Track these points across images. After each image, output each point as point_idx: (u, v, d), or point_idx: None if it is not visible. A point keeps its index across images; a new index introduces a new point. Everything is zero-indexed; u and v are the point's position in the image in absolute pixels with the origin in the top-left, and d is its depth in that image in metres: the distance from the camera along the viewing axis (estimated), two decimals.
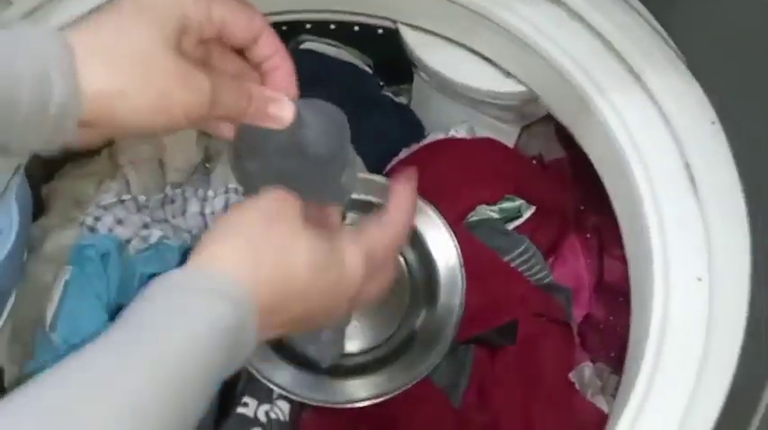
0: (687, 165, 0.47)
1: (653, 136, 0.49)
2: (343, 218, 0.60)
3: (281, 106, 0.39)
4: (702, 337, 0.41)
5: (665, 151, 0.49)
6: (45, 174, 0.69)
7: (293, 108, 0.40)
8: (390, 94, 0.80)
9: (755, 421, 0.32)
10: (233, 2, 0.39)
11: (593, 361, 0.72)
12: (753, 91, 0.40)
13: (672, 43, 0.48)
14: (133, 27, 0.36)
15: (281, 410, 0.64)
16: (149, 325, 0.32)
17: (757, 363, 0.36)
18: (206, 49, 0.40)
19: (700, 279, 0.43)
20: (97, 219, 0.63)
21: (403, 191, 0.41)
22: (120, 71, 0.35)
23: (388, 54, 0.73)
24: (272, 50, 0.41)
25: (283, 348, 0.64)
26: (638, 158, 0.49)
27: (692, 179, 0.46)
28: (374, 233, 0.40)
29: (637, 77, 0.51)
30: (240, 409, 0.63)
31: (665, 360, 0.41)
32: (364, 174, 0.69)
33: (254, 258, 0.35)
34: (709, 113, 0.45)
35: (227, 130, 0.42)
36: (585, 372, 0.72)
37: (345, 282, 0.39)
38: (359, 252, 0.39)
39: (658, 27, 0.48)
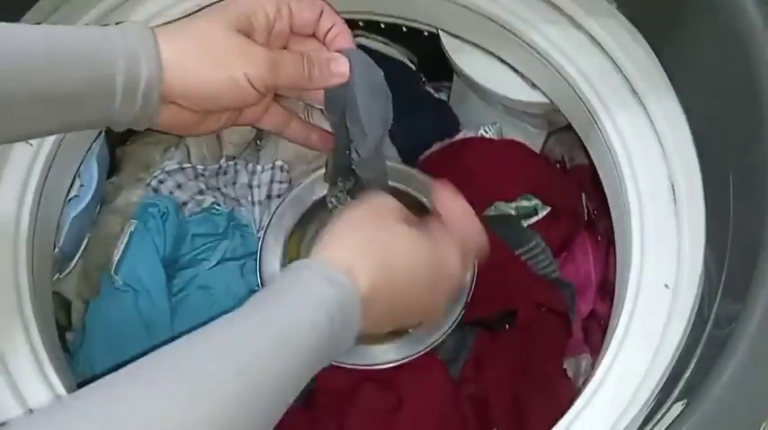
0: (672, 185, 0.53)
1: (646, 154, 0.55)
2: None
3: (338, 62, 0.46)
4: (658, 337, 0.47)
5: (655, 169, 0.54)
6: (121, 138, 0.76)
7: (347, 62, 0.46)
8: (431, 90, 0.86)
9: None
10: None
11: (592, 354, 0.78)
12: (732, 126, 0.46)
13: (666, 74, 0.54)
14: (198, 17, 0.42)
15: None
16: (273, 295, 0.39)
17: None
18: (282, 42, 0.46)
19: (667, 286, 0.49)
20: (161, 182, 0.71)
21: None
22: (183, 47, 0.40)
23: (432, 54, 0.78)
24: (332, 21, 0.47)
25: None
26: (630, 173, 0.55)
27: (674, 198, 0.52)
28: (462, 225, 0.48)
29: (639, 101, 0.56)
30: None
31: (625, 350, 0.48)
32: (399, 165, 0.76)
33: (363, 250, 0.41)
34: (690, 140, 0.51)
35: (318, 97, 0.48)
36: (582, 364, 0.78)
37: (446, 278, 0.45)
38: (455, 247, 0.46)
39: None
